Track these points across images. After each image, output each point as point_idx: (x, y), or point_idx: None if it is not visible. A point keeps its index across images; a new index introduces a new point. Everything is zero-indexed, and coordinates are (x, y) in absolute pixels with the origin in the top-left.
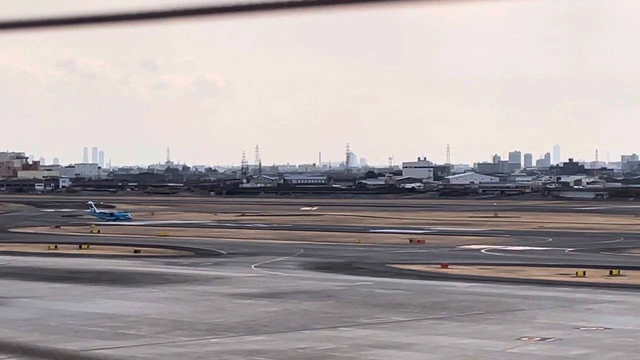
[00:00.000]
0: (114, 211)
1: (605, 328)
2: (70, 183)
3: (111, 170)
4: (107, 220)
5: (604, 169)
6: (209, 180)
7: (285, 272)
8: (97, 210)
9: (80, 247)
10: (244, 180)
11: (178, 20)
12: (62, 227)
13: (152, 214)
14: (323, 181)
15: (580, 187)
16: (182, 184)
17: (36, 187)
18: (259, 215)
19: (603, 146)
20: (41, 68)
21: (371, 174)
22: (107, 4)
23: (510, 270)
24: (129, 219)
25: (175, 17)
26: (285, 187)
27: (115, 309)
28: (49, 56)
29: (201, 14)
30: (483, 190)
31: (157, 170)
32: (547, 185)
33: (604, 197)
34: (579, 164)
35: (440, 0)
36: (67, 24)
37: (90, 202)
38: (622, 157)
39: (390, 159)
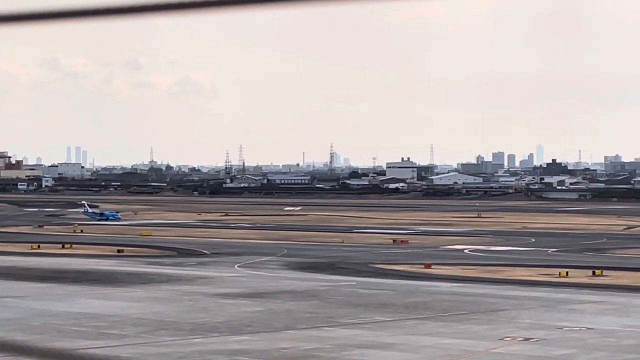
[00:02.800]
0: (105, 211)
1: (588, 328)
2: (53, 182)
3: (94, 169)
4: (98, 220)
5: (587, 169)
6: (193, 179)
7: (269, 272)
8: (89, 210)
9: (63, 246)
10: (228, 180)
11: (161, 15)
12: (45, 227)
13: (136, 214)
14: (307, 181)
15: (564, 187)
16: (165, 184)
17: (19, 187)
18: (243, 215)
19: (586, 147)
20: (23, 67)
21: (355, 174)
22: None
23: (494, 271)
24: (118, 219)
25: (158, 12)
26: (269, 187)
27: (98, 309)
28: (31, 55)
29: (184, 8)
30: (466, 191)
31: (141, 169)
32: (531, 186)
33: (587, 197)
34: (562, 165)
35: None
36: (48, 18)
37: (83, 202)
38: (605, 157)
39: (374, 159)
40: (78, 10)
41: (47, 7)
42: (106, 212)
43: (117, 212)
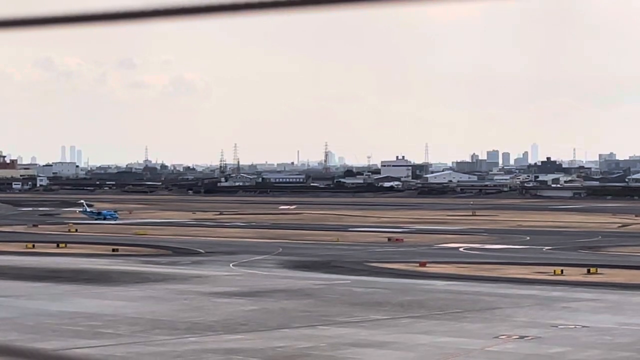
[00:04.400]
0: (103, 210)
1: (582, 326)
2: (48, 182)
3: (89, 169)
4: (96, 219)
5: (582, 167)
6: (187, 178)
7: (264, 270)
8: (88, 209)
9: (58, 246)
10: (222, 179)
11: (156, 20)
12: (39, 226)
13: (130, 213)
14: (301, 180)
15: (558, 185)
16: (160, 183)
17: (14, 186)
18: (238, 214)
19: (581, 145)
20: (17, 66)
21: (350, 172)
22: (85, 3)
23: (488, 269)
24: (116, 218)
25: (153, 17)
26: (263, 185)
27: (93, 308)
28: (26, 54)
29: (180, 13)
30: (461, 189)
31: (136, 169)
32: (525, 184)
33: (582, 195)
34: (557, 163)
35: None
36: (44, 24)
37: (82, 201)
38: (600, 155)
39: (368, 157)
40: (73, 16)
41: (43, 13)
42: (104, 212)
43: (115, 211)
